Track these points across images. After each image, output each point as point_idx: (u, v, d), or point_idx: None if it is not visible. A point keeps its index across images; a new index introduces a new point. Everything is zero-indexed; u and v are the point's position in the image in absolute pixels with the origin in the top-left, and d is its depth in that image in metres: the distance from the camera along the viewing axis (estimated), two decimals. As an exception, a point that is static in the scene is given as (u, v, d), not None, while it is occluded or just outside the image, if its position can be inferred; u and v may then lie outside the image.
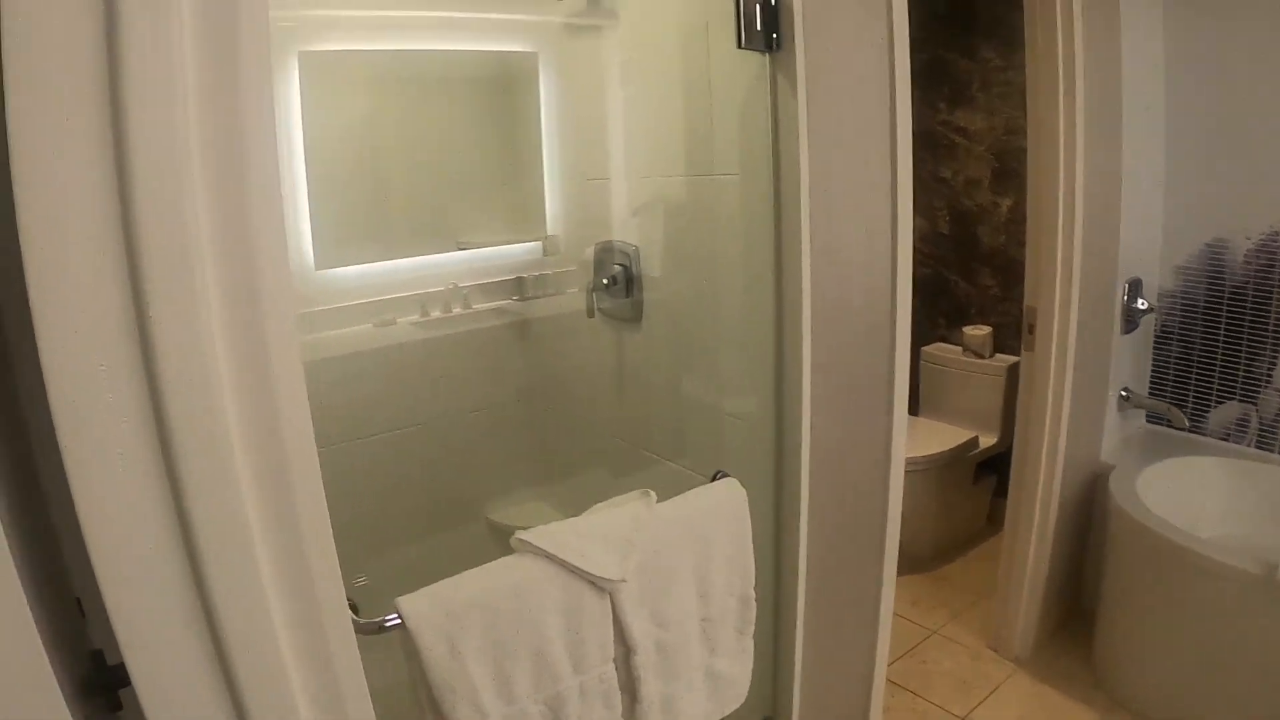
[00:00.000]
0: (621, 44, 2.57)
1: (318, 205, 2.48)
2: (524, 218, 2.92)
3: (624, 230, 2.57)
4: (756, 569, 1.83)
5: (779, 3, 1.75)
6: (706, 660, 1.75)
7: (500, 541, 1.80)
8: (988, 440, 4.04)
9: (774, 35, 1.77)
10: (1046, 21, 2.68)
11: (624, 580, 1.50)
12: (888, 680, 3.07)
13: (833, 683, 2.28)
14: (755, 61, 1.81)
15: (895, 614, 3.47)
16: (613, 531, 1.53)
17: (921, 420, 4.25)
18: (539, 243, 2.92)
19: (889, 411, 2.09)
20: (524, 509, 2.97)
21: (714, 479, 1.80)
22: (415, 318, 2.72)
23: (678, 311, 2.42)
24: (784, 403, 1.89)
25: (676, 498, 1.69)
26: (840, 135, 1.86)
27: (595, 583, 1.49)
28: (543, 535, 1.48)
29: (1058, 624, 3.46)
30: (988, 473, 4.15)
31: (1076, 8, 2.63)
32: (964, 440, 3.90)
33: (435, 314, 2.76)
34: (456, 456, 2.88)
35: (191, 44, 0.83)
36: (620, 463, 2.69)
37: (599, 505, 1.64)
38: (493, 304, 2.87)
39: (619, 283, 2.52)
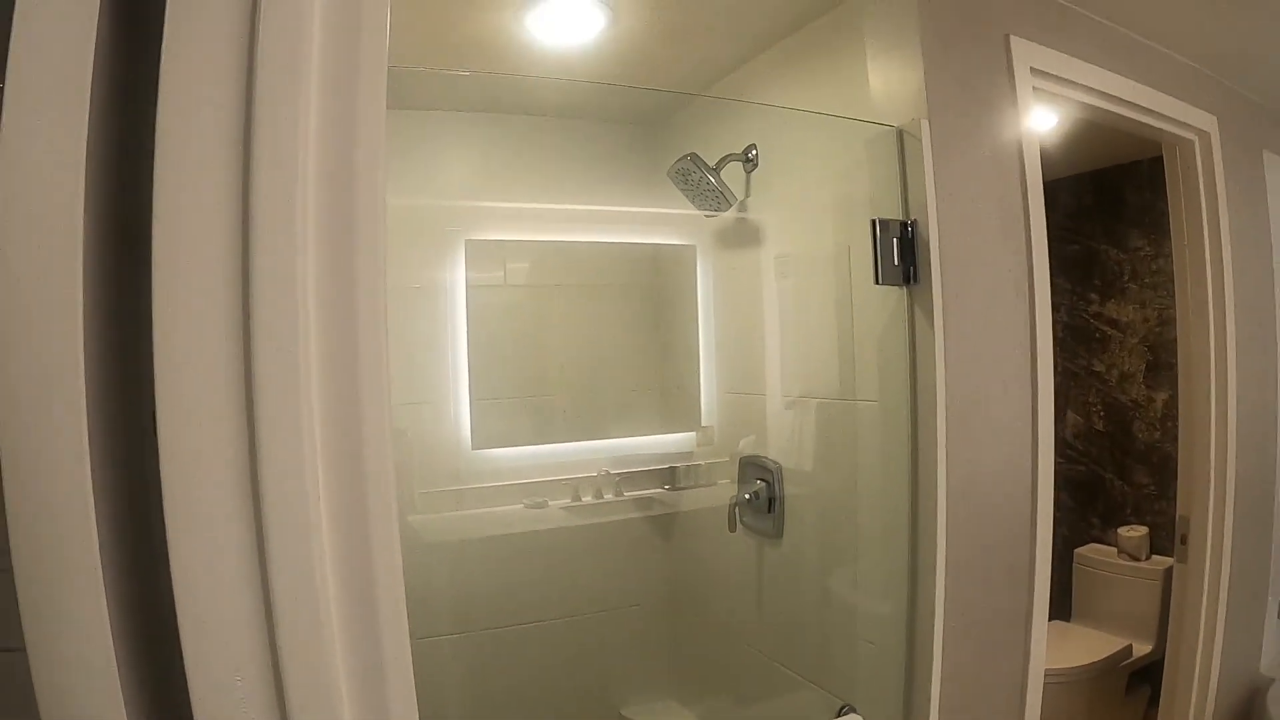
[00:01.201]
0: (775, 258, 2.63)
1: (478, 387, 2.59)
2: (680, 408, 2.98)
3: (768, 445, 2.61)
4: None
5: (915, 236, 1.80)
6: None
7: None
8: (1142, 648, 3.88)
9: (911, 269, 1.82)
10: (1192, 205, 2.69)
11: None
12: None
13: None
14: (894, 293, 1.85)
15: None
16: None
17: (1074, 627, 4.11)
18: (694, 433, 2.98)
19: (1028, 629, 2.05)
20: (656, 707, 2.96)
21: (839, 714, 1.78)
22: (567, 501, 2.79)
23: (817, 533, 2.43)
24: (916, 630, 1.88)
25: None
26: (977, 353, 1.88)
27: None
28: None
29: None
30: (1141, 683, 3.97)
31: (1219, 186, 2.62)
32: (1117, 650, 3.75)
33: (587, 499, 2.82)
34: (597, 649, 2.90)
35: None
36: (753, 674, 2.68)
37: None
38: (645, 492, 2.92)
39: (761, 498, 2.55)
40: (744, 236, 2.72)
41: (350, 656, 0.98)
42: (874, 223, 1.82)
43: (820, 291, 2.36)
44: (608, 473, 2.84)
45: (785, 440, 2.55)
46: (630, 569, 2.98)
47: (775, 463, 2.51)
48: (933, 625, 1.84)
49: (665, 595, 3.04)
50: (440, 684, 2.58)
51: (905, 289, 1.85)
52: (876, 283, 1.82)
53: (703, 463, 2.96)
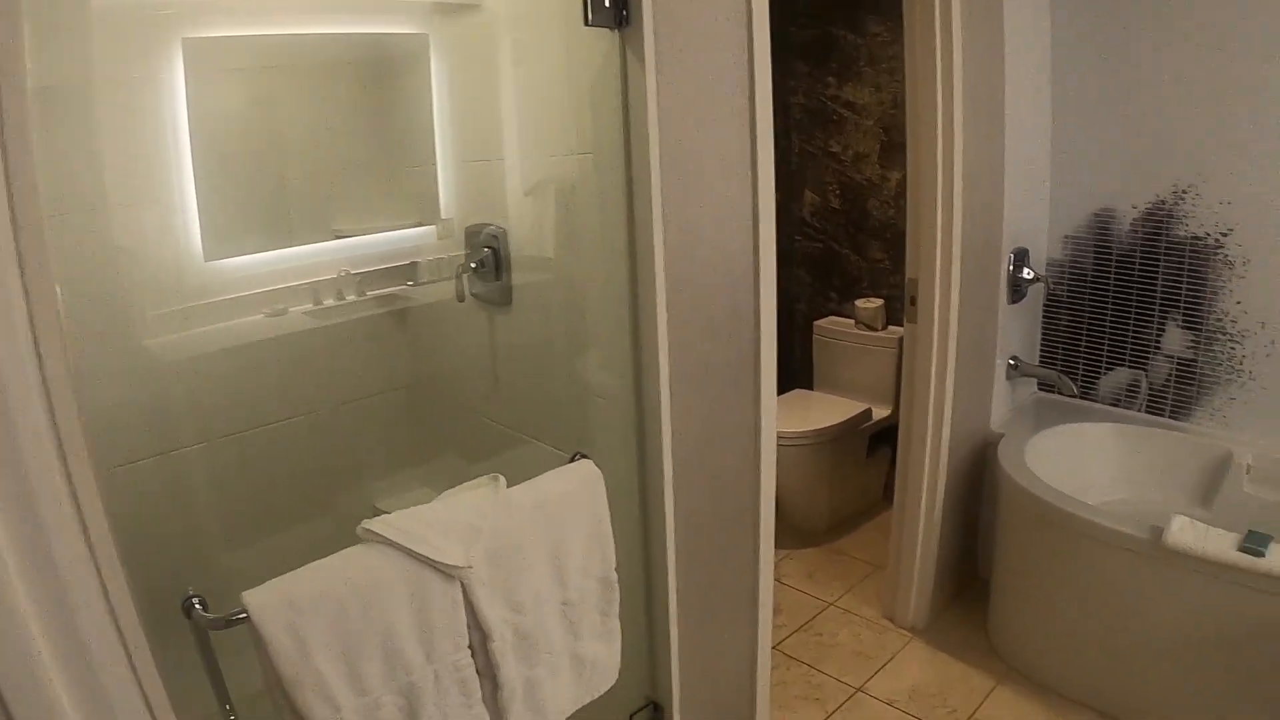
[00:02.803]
0: (497, 22, 2.53)
1: (205, 196, 2.42)
2: (418, 202, 2.88)
3: (496, 213, 2.55)
4: (625, 550, 1.83)
5: (626, -23, 1.74)
6: (570, 644, 1.75)
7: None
8: (881, 412, 4.09)
9: (623, 11, 1.75)
10: (924, -2, 2.72)
11: (469, 567, 1.49)
12: (783, 654, 3.12)
13: (715, 660, 2.29)
14: (606, 39, 1.79)
15: (790, 588, 3.52)
16: (459, 518, 1.52)
17: (815, 394, 4.29)
18: (434, 227, 2.89)
19: (756, 387, 2.10)
20: (410, 496, 2.94)
21: (572, 460, 1.79)
22: (308, 306, 2.68)
23: (544, 292, 2.41)
24: (643, 382, 1.88)
25: (529, 481, 1.68)
26: (696, 112, 1.85)
27: (442, 570, 1.47)
28: (388, 524, 1.46)
29: (953, 593, 3.51)
30: (882, 445, 4.19)
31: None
32: (856, 413, 3.94)
33: (329, 302, 2.72)
34: (347, 445, 2.85)
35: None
36: (492, 445, 2.68)
37: (449, 491, 1.63)
38: (387, 290, 2.83)
39: (488, 266, 2.50)
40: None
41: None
42: (581, -41, 1.74)
43: (537, 45, 2.29)
44: (347, 273, 2.73)
45: (510, 204, 2.50)
46: (373, 362, 2.91)
47: (500, 227, 2.46)
48: (658, 377, 1.85)
49: (410, 382, 3.00)
50: (189, 495, 2.49)
51: (618, 33, 1.79)
52: (586, 24, 1.75)
53: (444, 256, 2.88)
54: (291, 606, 1.32)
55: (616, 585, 1.80)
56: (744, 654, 2.38)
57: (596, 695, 1.84)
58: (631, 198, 1.81)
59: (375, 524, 1.46)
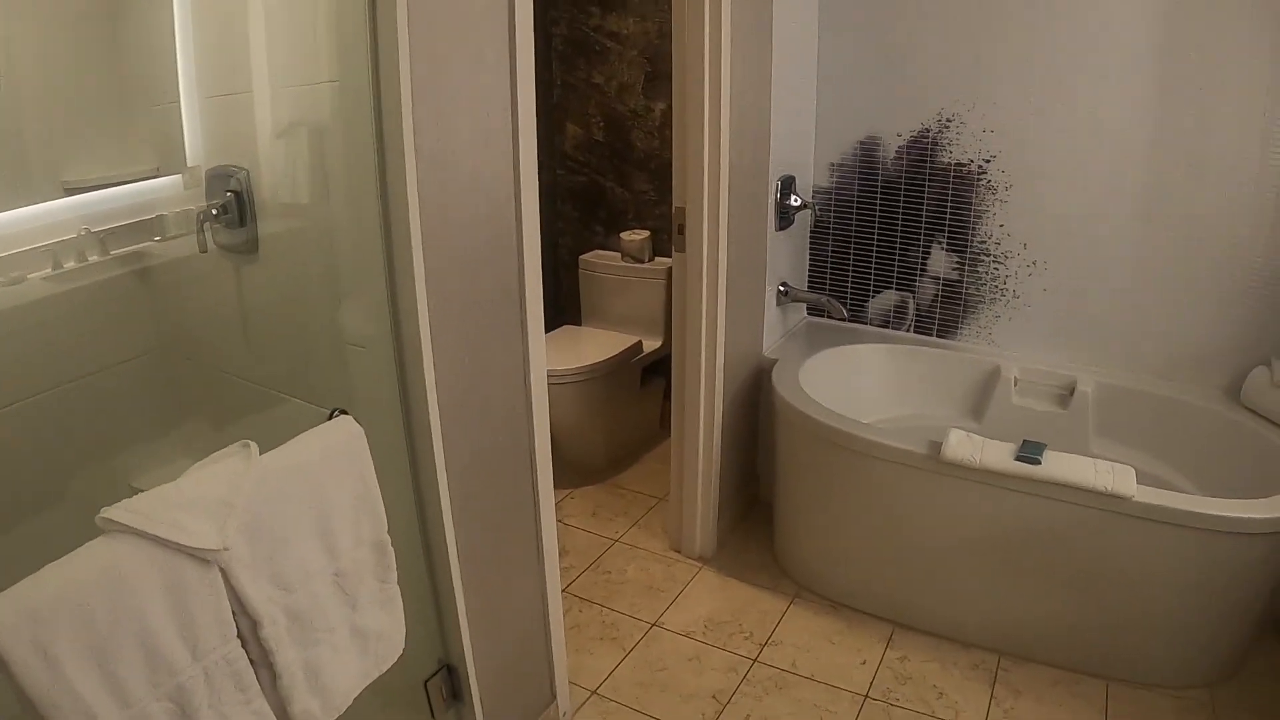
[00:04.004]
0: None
1: None
2: (161, 147, 2.64)
3: (242, 153, 2.36)
4: (397, 509, 1.73)
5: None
6: (349, 617, 1.63)
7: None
8: (652, 344, 4.08)
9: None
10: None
11: (226, 548, 1.35)
12: (575, 595, 3.08)
13: (505, 612, 2.22)
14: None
15: (575, 527, 3.48)
16: (207, 494, 1.38)
17: (585, 330, 4.24)
18: (180, 176, 2.65)
19: (523, 323, 2.02)
20: (170, 469, 2.74)
21: (331, 417, 1.66)
22: (48, 271, 2.42)
23: (294, 237, 2.24)
24: (402, 325, 1.77)
25: (283, 446, 1.54)
26: (451, 35, 1.72)
27: (195, 555, 1.32)
28: (130, 510, 1.30)
29: (738, 518, 3.54)
30: (656, 377, 4.19)
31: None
32: (627, 346, 3.91)
33: (70, 265, 2.46)
34: (98, 421, 2.61)
35: None
36: (249, 406, 2.51)
37: (196, 465, 1.48)
38: (134, 247, 2.59)
39: (232, 210, 2.31)
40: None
41: None
42: None
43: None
44: (88, 231, 2.48)
45: (259, 142, 2.31)
46: (123, 327, 2.65)
47: (242, 168, 2.27)
48: (417, 319, 1.74)
49: (160, 347, 2.78)
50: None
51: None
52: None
53: (193, 207, 2.66)
54: (34, 618, 1.14)
55: (391, 548, 1.68)
56: (534, 601, 2.32)
57: (385, 667, 1.73)
58: (381, 127, 1.68)
59: (116, 511, 1.29)
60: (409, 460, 1.87)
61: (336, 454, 1.58)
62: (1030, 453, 2.57)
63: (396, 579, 1.71)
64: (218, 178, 2.36)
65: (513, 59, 1.86)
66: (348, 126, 1.80)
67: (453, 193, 1.78)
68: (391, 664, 1.75)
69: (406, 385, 1.80)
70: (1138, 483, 2.50)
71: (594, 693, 2.68)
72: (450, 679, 2.12)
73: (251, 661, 1.44)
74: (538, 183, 1.98)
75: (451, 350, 1.83)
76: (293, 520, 1.49)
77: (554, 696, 2.47)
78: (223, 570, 1.37)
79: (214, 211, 2.31)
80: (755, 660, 2.82)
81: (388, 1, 1.60)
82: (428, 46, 1.67)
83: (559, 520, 3.44)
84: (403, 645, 1.77)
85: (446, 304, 1.80)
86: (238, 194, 2.28)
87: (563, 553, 3.34)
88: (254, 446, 1.47)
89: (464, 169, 1.80)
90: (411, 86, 1.64)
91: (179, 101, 2.50)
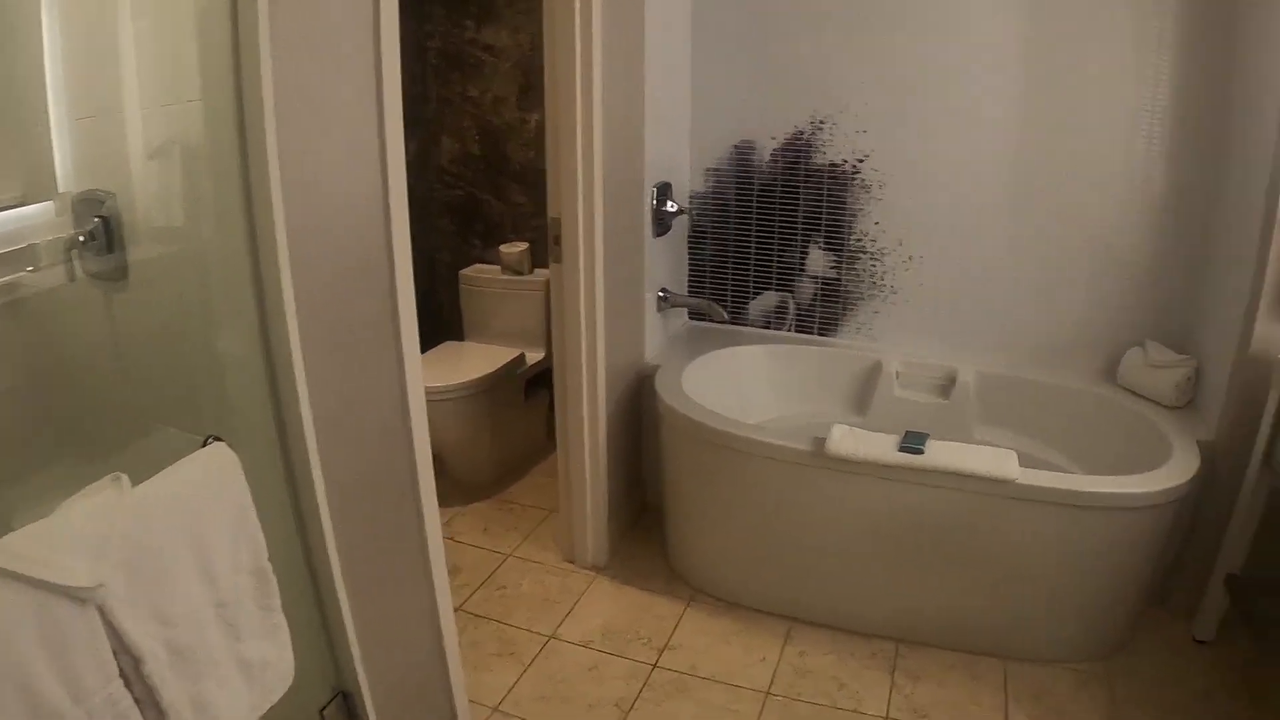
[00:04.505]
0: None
1: None
2: (28, 171, 2.55)
3: (112, 177, 2.29)
4: (278, 535, 1.70)
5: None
6: (234, 648, 1.60)
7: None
8: (535, 356, 4.10)
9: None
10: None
11: (101, 585, 1.32)
12: (470, 613, 3.07)
13: (397, 635, 2.20)
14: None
15: (467, 545, 3.47)
16: (80, 530, 1.35)
17: (466, 345, 4.23)
18: (51, 203, 2.56)
19: (398, 340, 2.00)
20: (44, 507, 2.65)
21: (206, 444, 1.63)
22: None
23: (163, 262, 2.19)
24: (273, 348, 1.74)
25: (156, 476, 1.51)
26: (316, 50, 1.71)
27: (70, 594, 1.29)
28: (1, 551, 1.27)
29: (629, 525, 3.57)
30: (539, 389, 4.20)
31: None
32: (509, 360, 3.92)
33: None
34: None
35: None
36: (122, 437, 2.45)
37: (67, 501, 1.44)
38: (5, 279, 2.50)
39: (99, 238, 2.25)
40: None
41: None
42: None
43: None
44: None
45: (130, 165, 2.26)
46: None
47: (108, 193, 2.22)
48: (288, 341, 1.72)
49: (35, 381, 2.70)
50: None
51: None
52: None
53: (65, 234, 2.58)
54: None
55: (272, 575, 1.66)
56: (427, 621, 2.30)
57: (275, 698, 1.70)
58: (245, 146, 1.65)
59: (-17, 553, 1.26)
60: (287, 484, 1.84)
61: (211, 482, 1.56)
62: (913, 443, 2.64)
63: (280, 606, 1.68)
64: (85, 203, 2.30)
65: (379, 74, 1.85)
66: (214, 146, 1.77)
67: (320, 211, 1.76)
68: (281, 694, 1.72)
69: (281, 408, 1.78)
70: (1020, 466, 2.58)
71: (495, 709, 2.68)
72: (346, 705, 2.10)
73: (137, 701, 1.41)
74: (408, 199, 1.97)
75: (325, 371, 1.81)
76: (170, 552, 1.47)
77: (454, 716, 2.45)
78: (100, 608, 1.34)
79: (80, 239, 2.26)
80: (655, 665, 2.84)
81: (249, 16, 1.58)
82: (291, 61, 1.65)
83: (450, 539, 3.43)
84: (292, 674, 1.74)
85: (318, 324, 1.78)
86: (106, 220, 2.23)
87: (456, 571, 3.33)
88: (125, 479, 1.45)
89: (331, 187, 1.79)
90: (275, 103, 1.63)
91: (49, 125, 2.43)
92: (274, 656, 1.69)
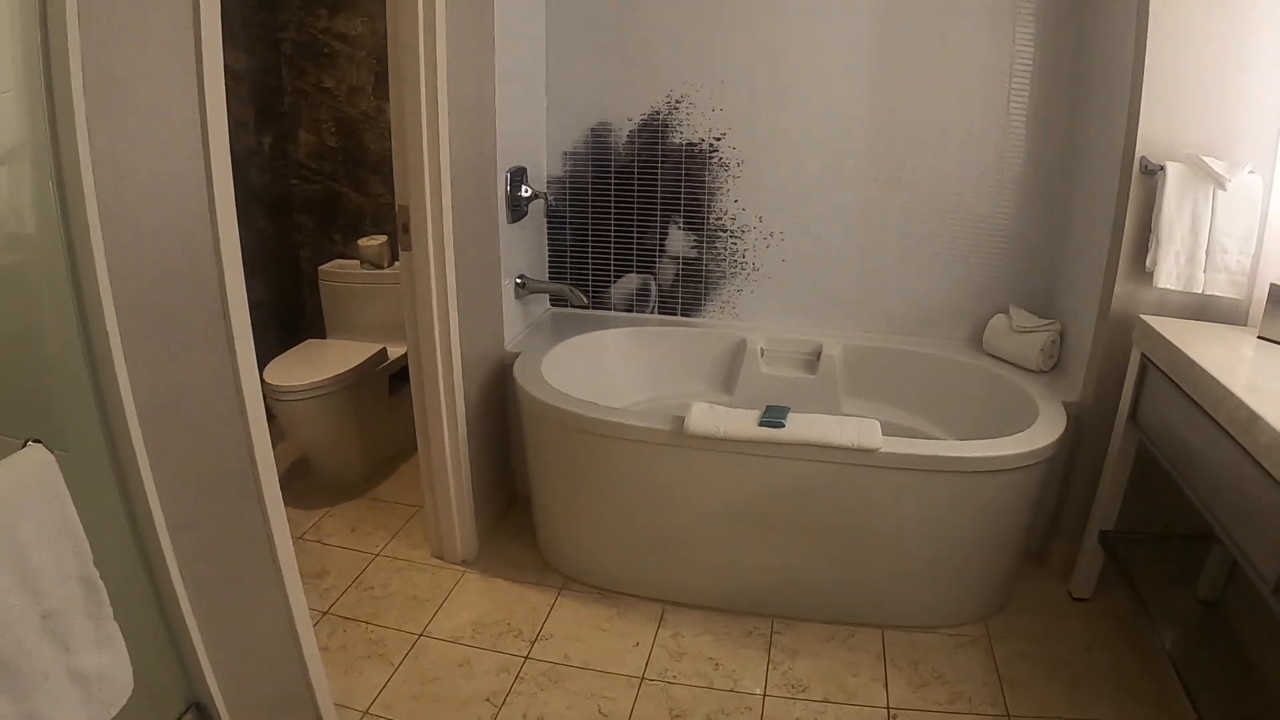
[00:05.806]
0: None
1: None
2: None
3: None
4: (109, 541, 1.64)
5: None
6: (63, 660, 1.54)
7: None
8: (398, 351, 4.05)
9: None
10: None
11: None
12: (339, 616, 3.02)
13: (251, 641, 2.15)
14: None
15: (335, 546, 3.41)
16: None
17: (329, 342, 4.15)
18: None
19: (229, 338, 1.94)
20: None
21: (25, 447, 1.56)
22: None
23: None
24: (93, 345, 1.67)
25: (-39, 484, 1.45)
26: (129, 33, 1.64)
27: None
28: None
29: (497, 517, 3.55)
30: (406, 384, 4.13)
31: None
32: (370, 355, 3.87)
33: None
34: None
35: None
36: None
37: None
38: None
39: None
40: None
41: None
42: None
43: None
44: None
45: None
46: None
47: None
48: (108, 337, 1.65)
49: None
50: None
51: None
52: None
53: None
54: None
55: (100, 583, 1.60)
56: (281, 626, 2.24)
57: (114, 711, 1.65)
58: (56, 133, 1.58)
59: None
60: (116, 487, 1.77)
61: (27, 486, 1.49)
62: (774, 417, 2.66)
63: (112, 614, 1.62)
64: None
65: (199, 54, 1.79)
66: (29, 135, 1.69)
67: (136, 202, 1.70)
68: (120, 706, 1.66)
69: (105, 408, 1.71)
70: (885, 435, 2.61)
71: (366, 713, 2.63)
72: (202, 716, 2.04)
73: (-42, 724, 1.35)
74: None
75: (151, 369, 1.75)
76: (-17, 562, 1.41)
77: (319, 722, 2.41)
78: (-95, 626, 1.28)
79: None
80: (527, 657, 2.82)
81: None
82: (103, 39, 1.59)
83: (318, 541, 3.38)
84: (131, 685, 1.68)
85: (139, 317, 1.71)
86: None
87: (324, 573, 3.27)
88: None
89: (147, 172, 1.72)
90: (85, 90, 1.56)
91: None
92: (109, 668, 1.63)
